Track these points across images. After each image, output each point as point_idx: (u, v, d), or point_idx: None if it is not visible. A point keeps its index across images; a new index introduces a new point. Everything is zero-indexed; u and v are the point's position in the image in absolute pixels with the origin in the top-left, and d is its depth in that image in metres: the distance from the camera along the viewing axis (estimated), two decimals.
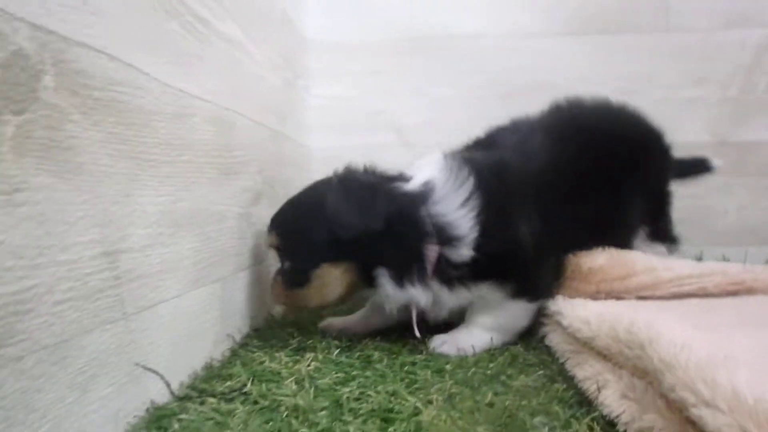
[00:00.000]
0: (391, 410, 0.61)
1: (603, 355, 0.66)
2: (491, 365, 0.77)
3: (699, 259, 1.29)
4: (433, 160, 0.88)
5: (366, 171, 0.89)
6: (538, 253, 0.87)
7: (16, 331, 0.43)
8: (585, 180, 0.97)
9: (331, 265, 0.84)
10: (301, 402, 0.62)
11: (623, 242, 1.01)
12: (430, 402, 0.63)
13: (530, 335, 0.90)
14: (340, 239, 0.80)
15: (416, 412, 0.60)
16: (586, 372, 0.67)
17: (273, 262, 0.97)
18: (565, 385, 0.68)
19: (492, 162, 0.90)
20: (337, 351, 0.82)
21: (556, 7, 1.48)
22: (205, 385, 0.69)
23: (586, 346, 0.71)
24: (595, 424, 0.57)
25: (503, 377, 0.72)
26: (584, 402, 0.63)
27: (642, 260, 0.90)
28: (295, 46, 1.35)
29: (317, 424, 0.57)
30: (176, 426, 0.58)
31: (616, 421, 0.56)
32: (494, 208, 0.83)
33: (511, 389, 0.67)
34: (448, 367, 0.76)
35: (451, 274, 0.83)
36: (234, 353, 0.83)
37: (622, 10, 1.47)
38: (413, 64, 1.51)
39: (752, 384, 0.43)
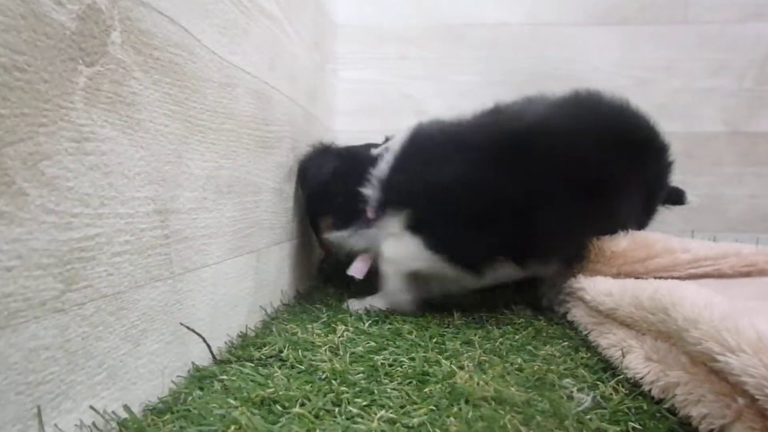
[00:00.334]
0: (425, 373, 0.62)
1: (626, 324, 0.68)
2: (516, 337, 0.79)
3: None
4: (409, 126, 0.97)
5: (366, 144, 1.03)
6: (473, 212, 0.86)
7: (81, 278, 0.44)
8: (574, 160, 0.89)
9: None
10: (338, 366, 0.63)
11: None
12: (461, 368, 0.64)
13: (552, 312, 0.92)
14: (308, 195, 1.02)
15: (450, 375, 0.61)
16: (610, 340, 0.69)
17: (305, 239, 1.08)
18: (589, 354, 0.71)
19: (441, 123, 0.96)
20: (368, 323, 0.83)
21: None
22: (240, 351, 0.70)
23: (609, 317, 0.73)
24: (620, 386, 0.59)
25: (529, 347, 0.74)
26: (608, 368, 0.66)
27: (662, 241, 0.91)
28: (325, 29, 1.36)
29: (355, 384, 0.59)
30: (217, 386, 0.59)
31: (641, 382, 0.58)
32: (405, 160, 0.92)
33: (538, 357, 0.70)
34: (476, 338, 0.77)
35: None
36: (266, 325, 0.84)
37: (643, 2, 1.50)
38: (438, 50, 1.54)
39: None
